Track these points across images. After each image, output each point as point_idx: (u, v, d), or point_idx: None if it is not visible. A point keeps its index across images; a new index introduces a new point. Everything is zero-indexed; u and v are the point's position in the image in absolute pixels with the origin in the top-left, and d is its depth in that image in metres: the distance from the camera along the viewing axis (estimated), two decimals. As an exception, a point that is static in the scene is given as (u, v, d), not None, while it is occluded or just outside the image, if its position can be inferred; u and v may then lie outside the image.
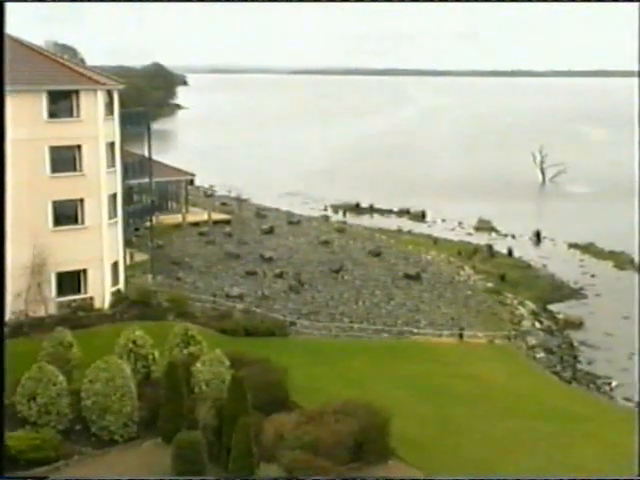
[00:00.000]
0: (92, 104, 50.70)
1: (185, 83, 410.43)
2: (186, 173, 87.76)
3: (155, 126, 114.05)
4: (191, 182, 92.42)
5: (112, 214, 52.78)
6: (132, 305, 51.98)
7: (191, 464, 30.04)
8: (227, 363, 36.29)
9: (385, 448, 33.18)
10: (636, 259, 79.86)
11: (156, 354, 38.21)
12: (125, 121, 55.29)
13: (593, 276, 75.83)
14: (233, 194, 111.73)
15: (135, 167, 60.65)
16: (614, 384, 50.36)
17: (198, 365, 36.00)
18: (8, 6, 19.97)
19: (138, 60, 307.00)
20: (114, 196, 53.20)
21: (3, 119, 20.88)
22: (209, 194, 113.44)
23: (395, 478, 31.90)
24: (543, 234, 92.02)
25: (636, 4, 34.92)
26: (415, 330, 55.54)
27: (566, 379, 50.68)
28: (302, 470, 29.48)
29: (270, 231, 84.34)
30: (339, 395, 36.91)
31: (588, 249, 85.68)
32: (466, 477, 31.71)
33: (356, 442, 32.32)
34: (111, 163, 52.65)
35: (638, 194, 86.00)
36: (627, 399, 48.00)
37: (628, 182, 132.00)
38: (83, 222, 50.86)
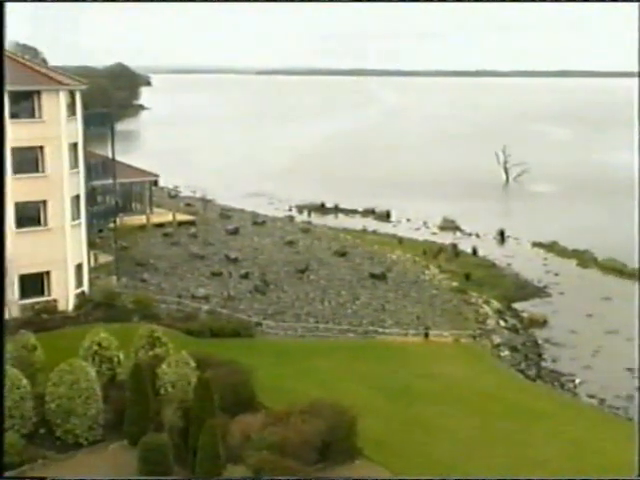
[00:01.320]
0: (54, 105, 50.32)
1: (149, 84, 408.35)
2: (150, 174, 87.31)
3: (119, 127, 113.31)
4: (155, 183, 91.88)
5: (75, 215, 52.39)
6: (96, 307, 51.67)
7: (157, 466, 29.89)
8: (193, 364, 36.16)
9: (352, 448, 33.23)
10: (599, 257, 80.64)
11: (121, 356, 38.00)
12: (88, 122, 54.93)
13: (557, 275, 76.41)
14: (198, 195, 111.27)
15: (98, 168, 60.20)
16: (578, 381, 50.76)
17: (164, 367, 35.82)
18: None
19: (101, 60, 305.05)
20: (77, 197, 52.81)
21: (3, 119, 20.80)
22: (173, 195, 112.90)
23: (362, 477, 31.95)
24: (507, 233, 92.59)
25: (636, 4, 35.20)
26: (381, 330, 55.65)
27: (531, 377, 51.01)
28: (269, 471, 29.44)
29: (235, 232, 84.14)
30: (305, 395, 36.92)
31: (552, 248, 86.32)
32: (432, 476, 31.84)
33: (323, 442, 32.33)
34: (74, 164, 52.28)
35: (638, 194, 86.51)
36: (591, 396, 48.40)
37: (591, 181, 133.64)
38: (46, 224, 50.48)
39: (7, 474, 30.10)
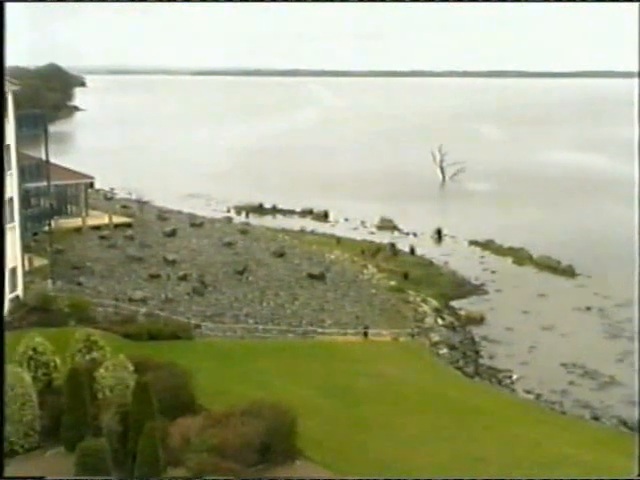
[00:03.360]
0: (-15, 106, 49.35)
1: (83, 84, 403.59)
2: (85, 176, 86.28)
3: (52, 128, 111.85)
4: (91, 185, 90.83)
5: (9, 218, 51.52)
6: (31, 311, 50.90)
7: (95, 472, 29.50)
8: (131, 368, 35.78)
9: (292, 448, 33.19)
10: (534, 255, 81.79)
11: (57, 361, 37.45)
12: (21, 123, 54.10)
13: (493, 272, 77.32)
14: (134, 196, 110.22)
15: (32, 170, 59.37)
16: (515, 377, 51.41)
17: (101, 371, 35.40)
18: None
19: (33, 61, 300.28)
20: (11, 200, 51.94)
21: (3, 119, 20.49)
22: (109, 197, 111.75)
23: (303, 478, 31.93)
24: (444, 232, 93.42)
25: (636, 4, 35.62)
26: (320, 330, 55.77)
27: (469, 374, 51.54)
28: (209, 473, 29.28)
29: (173, 233, 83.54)
30: (245, 397, 36.77)
31: (488, 246, 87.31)
32: (373, 475, 31.95)
33: (263, 443, 32.24)
34: (7, 166, 51.38)
35: (638, 194, 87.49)
36: (528, 391, 49.09)
37: (526, 179, 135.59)
38: (-22, 227, 49.47)
39: None
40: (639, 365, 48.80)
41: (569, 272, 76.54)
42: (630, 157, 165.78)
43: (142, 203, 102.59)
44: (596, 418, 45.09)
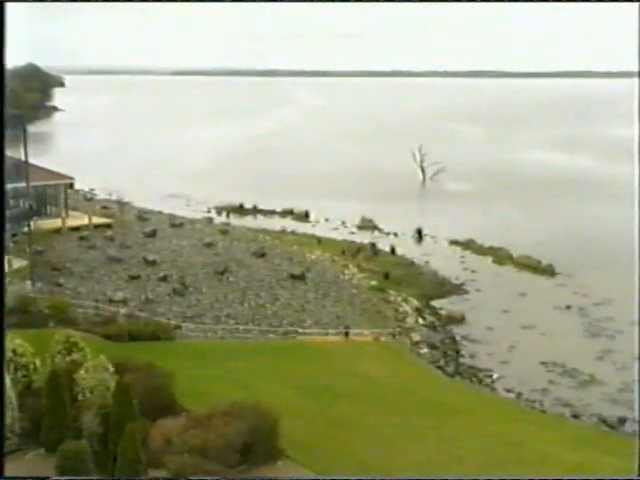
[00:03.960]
0: (-37, 106, 49.01)
1: (62, 85, 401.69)
2: (65, 177, 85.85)
3: (31, 129, 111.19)
4: (70, 186, 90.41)
5: (-13, 220, 51.11)
6: (11, 313, 50.42)
7: (76, 474, 29.37)
8: (111, 369, 35.61)
9: (274, 449, 33.15)
10: (514, 254, 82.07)
11: (37, 363, 37.22)
12: (-1, 124, 53.64)
13: (473, 272, 77.52)
14: (114, 197, 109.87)
15: (11, 171, 58.88)
16: (495, 376, 51.57)
17: (81, 372, 35.21)
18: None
19: (11, 60, 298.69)
20: (-11, 201, 51.54)
21: (3, 119, 20.57)
22: (89, 198, 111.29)
23: (285, 478, 31.91)
24: (425, 232, 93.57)
25: (636, 4, 35.69)
26: (301, 330, 55.75)
27: (449, 373, 51.65)
28: (190, 474, 29.21)
29: (153, 234, 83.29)
30: (226, 397, 36.69)
31: (468, 245, 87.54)
32: (354, 475, 31.97)
33: (244, 444, 32.19)
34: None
35: (638, 194, 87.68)
36: (508, 390, 49.23)
37: (505, 179, 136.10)
38: (-44, 228, 49.12)
39: None
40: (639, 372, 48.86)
41: (549, 271, 76.87)
42: (609, 156, 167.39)
43: (122, 204, 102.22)
44: (576, 416, 45.30)
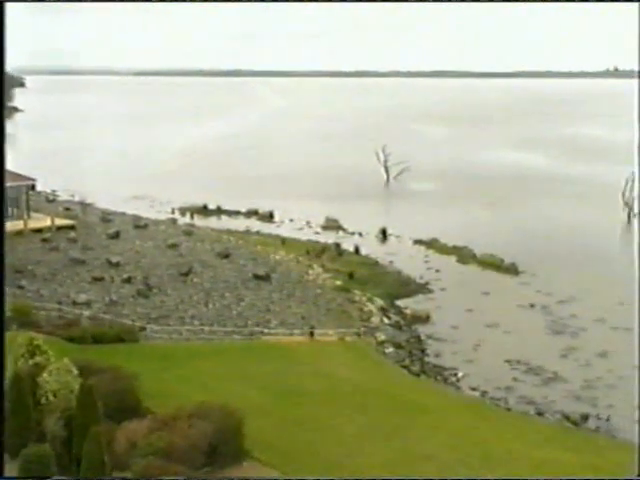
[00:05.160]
0: None
1: (22, 85, 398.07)
2: (26, 178, 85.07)
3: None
4: (32, 187, 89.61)
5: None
6: (-28, 316, 49.95)
7: (39, 478, 29.10)
8: (75, 372, 35.33)
9: (240, 450, 33.10)
10: (478, 253, 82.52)
11: (-1, 366, 36.81)
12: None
13: (438, 271, 77.83)
14: (77, 198, 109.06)
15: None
16: (460, 375, 51.81)
17: (45, 375, 34.90)
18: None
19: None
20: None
21: (3, 119, 20.45)
22: (51, 199, 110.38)
23: (250, 478, 31.87)
24: (389, 231, 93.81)
25: (636, 4, 35.93)
26: (266, 330, 55.70)
27: (415, 372, 51.81)
28: (156, 476, 29.06)
29: (116, 235, 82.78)
30: (192, 399, 36.58)
31: (432, 245, 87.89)
32: (321, 475, 31.98)
33: (210, 445, 32.11)
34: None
35: (639, 192, 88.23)
36: (473, 389, 49.50)
37: (468, 178, 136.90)
38: None
39: None
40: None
41: (512, 270, 77.39)
42: (570, 155, 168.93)
43: (85, 205, 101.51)
44: (540, 414, 45.66)
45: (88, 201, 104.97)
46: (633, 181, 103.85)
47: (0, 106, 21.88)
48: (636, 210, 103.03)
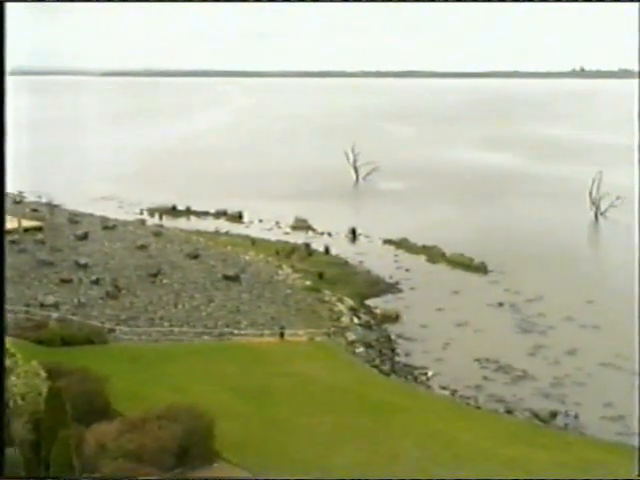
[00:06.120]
0: None
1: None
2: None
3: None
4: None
5: None
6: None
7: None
8: (43, 374, 35.03)
9: (210, 451, 33.03)
10: (447, 253, 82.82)
11: (-34, 370, 36.43)
12: None
13: (407, 270, 78.02)
14: (44, 200, 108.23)
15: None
16: (430, 374, 51.95)
17: (12, 378, 34.55)
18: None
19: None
20: None
21: (3, 119, 20.24)
22: (18, 200, 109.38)
23: (219, 478, 31.81)
24: (359, 231, 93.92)
25: (636, 4, 36.07)
26: (236, 331, 55.57)
27: (385, 372, 51.88)
28: (126, 479, 28.91)
29: (84, 237, 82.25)
30: (162, 400, 36.44)
31: (402, 244, 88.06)
32: (291, 475, 31.96)
33: (180, 447, 32.00)
34: None
35: (638, 195, 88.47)
36: (443, 387, 49.65)
37: (437, 177, 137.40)
38: None
39: None
40: None
41: (481, 269, 77.74)
42: (537, 155, 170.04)
43: (52, 206, 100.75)
44: (510, 411, 45.90)
45: (56, 202, 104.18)
46: (600, 180, 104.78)
47: (0, 106, 21.70)
48: (602, 209, 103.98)
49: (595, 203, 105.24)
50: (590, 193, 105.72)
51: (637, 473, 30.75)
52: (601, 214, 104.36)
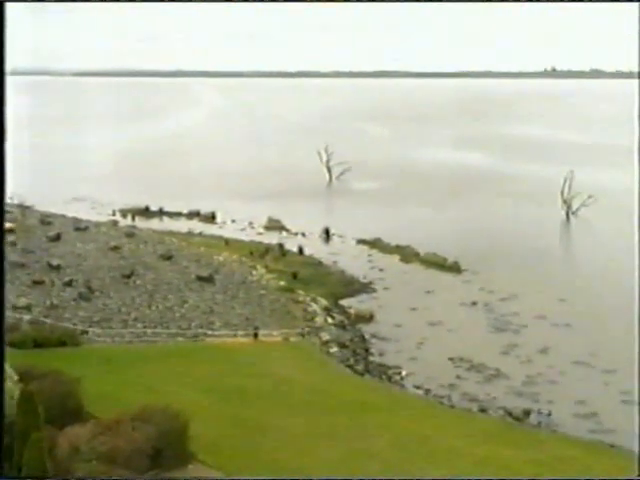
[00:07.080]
0: None
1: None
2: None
3: None
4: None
5: None
6: None
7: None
8: (15, 377, 34.83)
9: (184, 452, 32.93)
10: (421, 252, 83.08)
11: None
12: None
13: (381, 270, 78.22)
14: (16, 201, 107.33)
15: None
16: (404, 373, 52.12)
17: (-17, 381, 34.33)
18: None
19: None
20: None
21: (3, 119, 20.01)
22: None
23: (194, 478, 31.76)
24: (332, 231, 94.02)
25: (637, 4, 36.26)
26: (210, 332, 55.50)
27: (359, 371, 52.00)
28: (100, 481, 28.80)
29: (57, 238, 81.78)
30: (136, 402, 36.27)
31: (375, 244, 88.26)
32: (266, 475, 31.96)
33: (154, 448, 31.88)
34: None
35: (638, 195, 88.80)
36: (417, 387, 49.83)
37: (410, 177, 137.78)
38: None
39: None
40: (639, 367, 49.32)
41: (455, 268, 78.07)
42: (510, 155, 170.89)
43: (24, 207, 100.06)
44: (483, 410, 46.12)
45: (27, 203, 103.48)
46: (572, 179, 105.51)
47: (0, 106, 21.54)
48: (574, 208, 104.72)
49: (567, 202, 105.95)
50: (562, 192, 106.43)
51: (637, 473, 30.95)
52: (572, 213, 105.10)
